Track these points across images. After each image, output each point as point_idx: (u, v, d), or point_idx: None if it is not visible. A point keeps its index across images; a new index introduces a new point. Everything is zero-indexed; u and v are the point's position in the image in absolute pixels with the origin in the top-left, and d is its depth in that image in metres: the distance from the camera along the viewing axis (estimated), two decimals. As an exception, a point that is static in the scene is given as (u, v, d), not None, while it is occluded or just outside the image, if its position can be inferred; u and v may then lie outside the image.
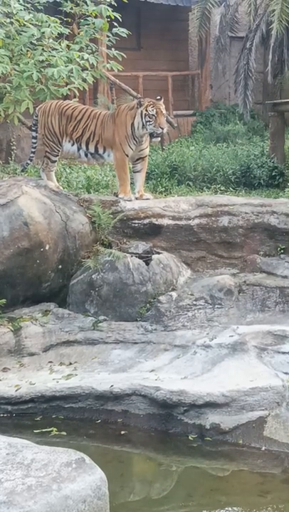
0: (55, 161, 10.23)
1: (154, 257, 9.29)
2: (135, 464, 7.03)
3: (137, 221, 9.65)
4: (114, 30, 11.33)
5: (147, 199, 10.00)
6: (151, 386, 7.45)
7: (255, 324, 8.56)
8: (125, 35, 11.33)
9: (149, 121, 9.54)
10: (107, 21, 11.27)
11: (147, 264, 9.17)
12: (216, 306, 8.98)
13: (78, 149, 10.07)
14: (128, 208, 9.69)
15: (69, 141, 10.05)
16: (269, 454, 6.83)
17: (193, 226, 9.74)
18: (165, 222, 9.69)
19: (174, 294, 9.01)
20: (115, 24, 11.27)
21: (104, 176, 11.82)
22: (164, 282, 9.16)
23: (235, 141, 16.28)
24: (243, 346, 7.96)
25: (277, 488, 6.45)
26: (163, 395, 7.29)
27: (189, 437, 7.12)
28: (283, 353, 7.82)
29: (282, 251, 9.59)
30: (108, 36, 11.46)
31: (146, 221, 9.66)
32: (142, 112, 9.58)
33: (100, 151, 9.99)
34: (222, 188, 11.57)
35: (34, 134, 10.26)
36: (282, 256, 9.56)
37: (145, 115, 9.55)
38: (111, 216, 9.51)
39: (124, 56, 11.42)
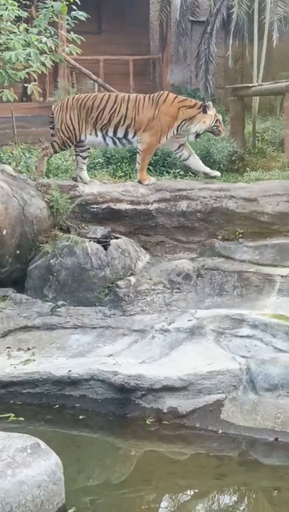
0: (57, 153, 10.39)
1: (113, 241, 9.29)
2: (93, 449, 7.02)
3: (95, 206, 9.63)
4: (73, 13, 11.23)
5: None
6: (109, 371, 7.45)
7: (213, 308, 8.61)
8: (84, 19, 11.24)
9: (217, 126, 10.11)
10: (66, 4, 11.17)
11: (106, 249, 9.16)
12: (175, 290, 9.00)
13: (104, 138, 10.08)
14: (86, 192, 9.66)
15: (90, 134, 10.04)
16: (226, 437, 6.88)
17: (151, 211, 9.74)
18: (123, 206, 9.68)
19: (133, 279, 9.01)
20: (74, 8, 11.18)
21: (63, 161, 11.76)
22: (122, 267, 9.16)
23: (196, 125, 16.22)
24: (201, 330, 8.01)
25: (233, 471, 6.50)
26: (121, 380, 7.30)
27: (147, 421, 7.14)
28: (241, 336, 7.89)
29: (240, 235, 9.62)
30: (67, 20, 11.37)
31: (104, 206, 9.64)
32: (214, 115, 10.08)
33: (130, 135, 10.04)
34: (181, 173, 11.56)
35: (52, 131, 10.34)
36: (240, 240, 9.59)
37: (216, 120, 10.07)
38: (69, 201, 9.48)
39: (83, 40, 11.33)
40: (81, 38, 11.25)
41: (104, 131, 10.00)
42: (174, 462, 6.74)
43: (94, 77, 15.92)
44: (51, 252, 9.07)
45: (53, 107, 10.32)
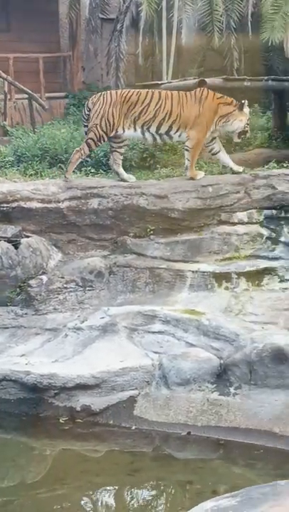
0: (92, 151, 10.36)
1: (23, 240, 9.20)
2: (7, 450, 6.99)
3: (5, 205, 9.47)
4: (-20, 10, 11.13)
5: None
6: (21, 371, 7.44)
7: (125, 305, 8.62)
8: (-10, 16, 11.15)
9: (248, 124, 10.29)
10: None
11: (16, 248, 9.07)
12: (87, 288, 8.99)
13: (143, 133, 10.06)
14: (-5, 191, 9.54)
15: (129, 128, 10.00)
16: (139, 433, 6.95)
17: (62, 209, 9.66)
18: (34, 205, 9.55)
19: (45, 278, 8.96)
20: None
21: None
22: (34, 266, 9.09)
23: (108, 123, 16.22)
24: (114, 327, 8.03)
25: (146, 467, 6.58)
26: (33, 379, 7.30)
27: (60, 420, 7.17)
28: (153, 332, 7.95)
29: (151, 232, 9.63)
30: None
31: (14, 204, 9.49)
32: (248, 114, 10.25)
33: (172, 131, 10.04)
34: (92, 171, 11.54)
35: (86, 129, 10.24)
36: (151, 237, 9.60)
37: (249, 119, 10.29)
38: (-22, 200, 9.36)
39: (-9, 37, 11.24)
40: (-12, 35, 11.16)
41: (145, 127, 10.03)
42: (88, 460, 6.78)
43: (3, 75, 15.75)
44: None
45: (90, 102, 10.21)
